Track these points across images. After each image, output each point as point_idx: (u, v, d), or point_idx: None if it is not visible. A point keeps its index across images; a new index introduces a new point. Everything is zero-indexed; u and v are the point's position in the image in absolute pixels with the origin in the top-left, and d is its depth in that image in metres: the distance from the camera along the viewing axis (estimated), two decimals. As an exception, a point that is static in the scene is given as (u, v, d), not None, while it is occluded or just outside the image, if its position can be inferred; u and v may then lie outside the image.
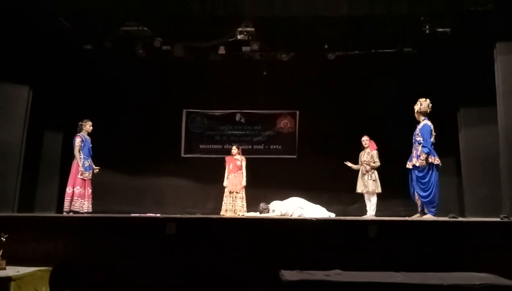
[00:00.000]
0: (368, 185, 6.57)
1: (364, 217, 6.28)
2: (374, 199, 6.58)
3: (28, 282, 3.81)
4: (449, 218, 5.18)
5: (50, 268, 4.15)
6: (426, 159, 5.61)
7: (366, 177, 6.61)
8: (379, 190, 6.59)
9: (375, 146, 6.76)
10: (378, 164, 6.64)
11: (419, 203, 5.80)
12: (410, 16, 6.57)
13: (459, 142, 6.79)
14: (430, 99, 6.05)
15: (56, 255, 4.31)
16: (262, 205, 6.43)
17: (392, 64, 7.76)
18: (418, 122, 5.90)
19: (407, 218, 5.49)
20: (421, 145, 5.66)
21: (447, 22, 6.98)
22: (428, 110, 5.86)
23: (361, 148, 6.84)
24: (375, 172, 6.64)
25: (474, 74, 6.41)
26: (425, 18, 6.87)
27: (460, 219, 5.35)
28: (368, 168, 6.60)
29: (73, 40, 7.29)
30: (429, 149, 5.63)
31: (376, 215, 6.57)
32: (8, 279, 3.60)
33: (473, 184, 6.41)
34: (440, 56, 7.29)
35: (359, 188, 6.68)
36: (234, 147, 7.47)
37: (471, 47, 6.48)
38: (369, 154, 6.71)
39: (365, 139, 6.84)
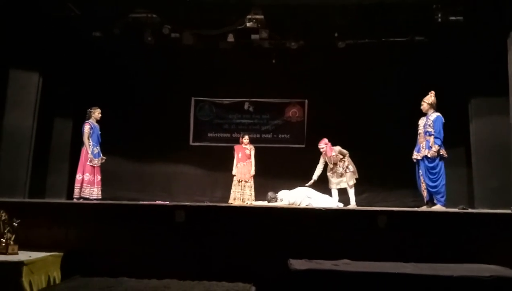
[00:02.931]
0: (348, 179, 6.47)
1: (349, 207, 6.23)
2: (352, 190, 6.52)
3: (40, 267, 3.86)
4: (459, 209, 5.14)
5: (61, 254, 4.21)
6: (438, 151, 5.58)
7: (340, 171, 6.51)
8: (356, 176, 6.52)
9: (331, 150, 6.57)
10: (347, 153, 6.56)
11: (425, 194, 5.77)
12: (422, 4, 6.48)
13: (470, 133, 6.71)
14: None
15: (67, 241, 4.36)
16: (270, 194, 6.42)
17: (403, 53, 7.67)
18: (424, 113, 5.85)
19: (416, 209, 5.47)
20: (433, 136, 5.63)
21: (459, 10, 6.85)
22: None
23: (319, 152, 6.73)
24: (351, 162, 6.55)
25: (486, 64, 6.30)
26: (437, 6, 6.75)
27: (470, 210, 5.31)
28: (344, 163, 6.49)
29: (82, 27, 7.28)
30: (441, 141, 5.61)
31: (385, 205, 6.55)
32: (20, 264, 3.65)
33: (483, 175, 6.35)
34: (452, 45, 7.17)
35: (338, 185, 6.53)
36: (246, 136, 7.43)
37: (483, 36, 6.36)
38: (332, 155, 6.55)
39: (322, 147, 6.62)
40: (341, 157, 6.58)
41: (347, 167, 6.53)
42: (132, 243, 4.38)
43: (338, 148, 6.62)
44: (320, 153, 6.74)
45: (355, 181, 6.51)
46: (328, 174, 6.66)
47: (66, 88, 7.62)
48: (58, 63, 7.26)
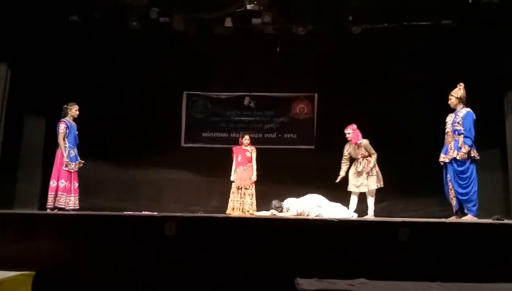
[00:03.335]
0: (369, 183, 6.49)
1: (366, 218, 6.25)
2: (372, 198, 6.55)
3: (8, 288, 3.87)
4: (493, 220, 5.14)
5: (33, 273, 4.21)
6: (469, 152, 5.58)
7: (365, 173, 6.52)
8: (381, 184, 6.55)
9: (358, 137, 6.63)
10: (375, 154, 6.57)
11: (454, 202, 5.82)
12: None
13: (506, 132, 6.72)
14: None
15: (39, 258, 4.36)
16: (274, 203, 6.45)
17: (428, 39, 7.67)
18: (452, 109, 5.86)
19: (444, 220, 5.47)
20: (463, 135, 5.63)
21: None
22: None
23: (346, 140, 6.79)
24: (376, 166, 6.57)
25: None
26: (468, -16, 6.75)
27: (506, 221, 5.30)
28: (369, 164, 6.49)
29: (56, 11, 7.30)
30: (472, 140, 5.62)
31: (408, 215, 6.54)
32: (-14, 285, 3.67)
33: (521, 180, 6.37)
34: (485, 30, 7.17)
35: (358, 188, 6.55)
36: (246, 136, 7.46)
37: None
38: (359, 147, 6.60)
39: (349, 132, 6.69)
40: (367, 153, 6.58)
41: (371, 169, 6.52)
42: (114, 260, 4.38)
43: (366, 141, 6.64)
44: (346, 141, 6.76)
45: (377, 187, 6.51)
46: (350, 173, 6.67)
47: (38, 82, 7.63)
48: (30, 53, 7.28)
